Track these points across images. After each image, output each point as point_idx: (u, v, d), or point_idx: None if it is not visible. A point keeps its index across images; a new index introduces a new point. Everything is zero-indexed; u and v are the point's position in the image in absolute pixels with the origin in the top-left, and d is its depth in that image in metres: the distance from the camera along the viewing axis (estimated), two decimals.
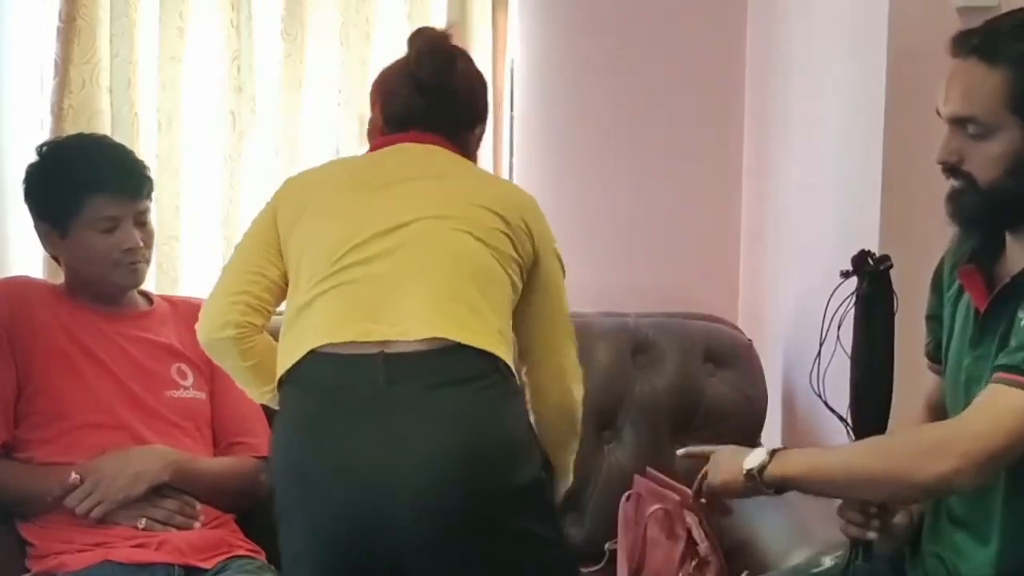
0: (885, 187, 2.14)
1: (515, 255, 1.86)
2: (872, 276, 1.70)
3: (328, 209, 1.86)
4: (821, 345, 1.75)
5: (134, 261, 2.17)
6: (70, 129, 2.56)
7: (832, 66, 2.44)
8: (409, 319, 1.73)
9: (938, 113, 1.60)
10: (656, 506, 2.27)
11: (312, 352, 1.74)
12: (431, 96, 1.94)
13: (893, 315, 1.71)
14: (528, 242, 1.88)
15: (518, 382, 1.86)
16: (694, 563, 2.23)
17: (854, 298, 1.71)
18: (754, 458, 1.64)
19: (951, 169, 1.59)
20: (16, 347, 2.12)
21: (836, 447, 1.70)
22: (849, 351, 1.73)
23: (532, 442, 1.83)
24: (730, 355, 2.60)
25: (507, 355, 1.79)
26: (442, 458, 1.66)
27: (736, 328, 2.69)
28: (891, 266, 1.70)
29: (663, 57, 2.88)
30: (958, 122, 1.57)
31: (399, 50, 2.76)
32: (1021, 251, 1.61)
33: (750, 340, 2.64)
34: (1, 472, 2.09)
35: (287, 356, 1.78)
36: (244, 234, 1.97)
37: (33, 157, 2.23)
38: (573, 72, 2.86)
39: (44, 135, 2.60)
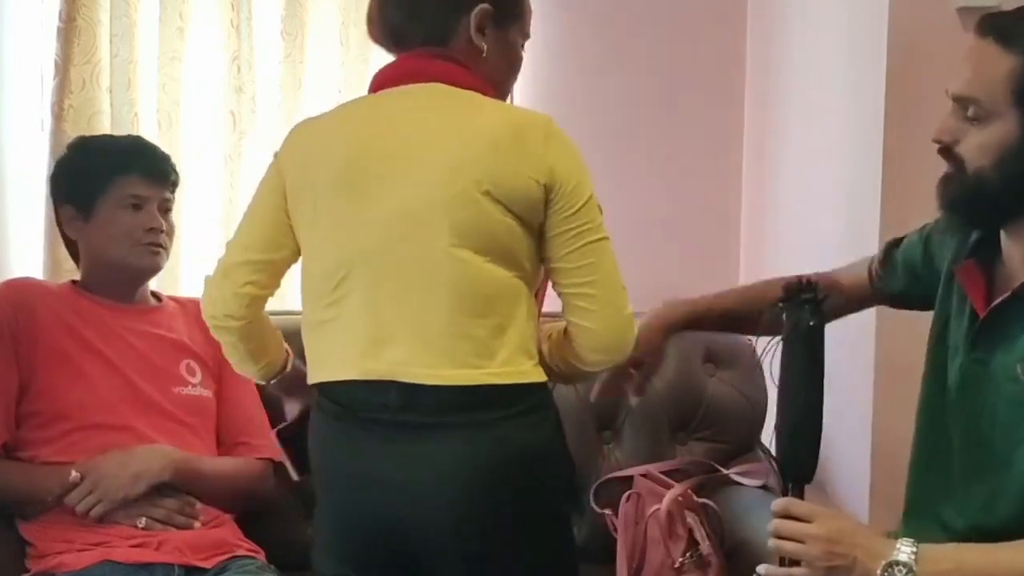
0: (885, 187, 2.14)
1: (528, 225, 1.71)
2: (795, 308, 1.57)
3: (322, 218, 1.75)
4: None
5: (155, 243, 2.20)
6: (70, 129, 2.56)
7: (832, 67, 2.44)
8: (412, 363, 1.69)
9: (947, 93, 1.57)
10: (656, 506, 2.27)
11: (325, 382, 1.77)
12: (400, 3, 1.78)
13: (820, 355, 1.58)
14: (541, 203, 1.71)
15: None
16: (695, 563, 2.23)
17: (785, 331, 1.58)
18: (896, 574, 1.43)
19: (945, 150, 1.56)
20: (19, 348, 2.12)
21: (1001, 550, 1.48)
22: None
23: (552, 452, 1.78)
24: (730, 355, 2.59)
25: (525, 372, 1.72)
26: (456, 475, 1.68)
27: None
28: (824, 298, 1.59)
29: (662, 57, 2.88)
30: (960, 101, 1.54)
31: None
32: (1017, 250, 1.59)
33: (750, 340, 2.64)
34: (1, 472, 2.09)
35: (311, 371, 1.80)
36: (252, 198, 1.87)
37: (42, 157, 2.27)
38: (572, 73, 2.86)
39: (44, 135, 2.60)
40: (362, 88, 2.74)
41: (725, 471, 2.43)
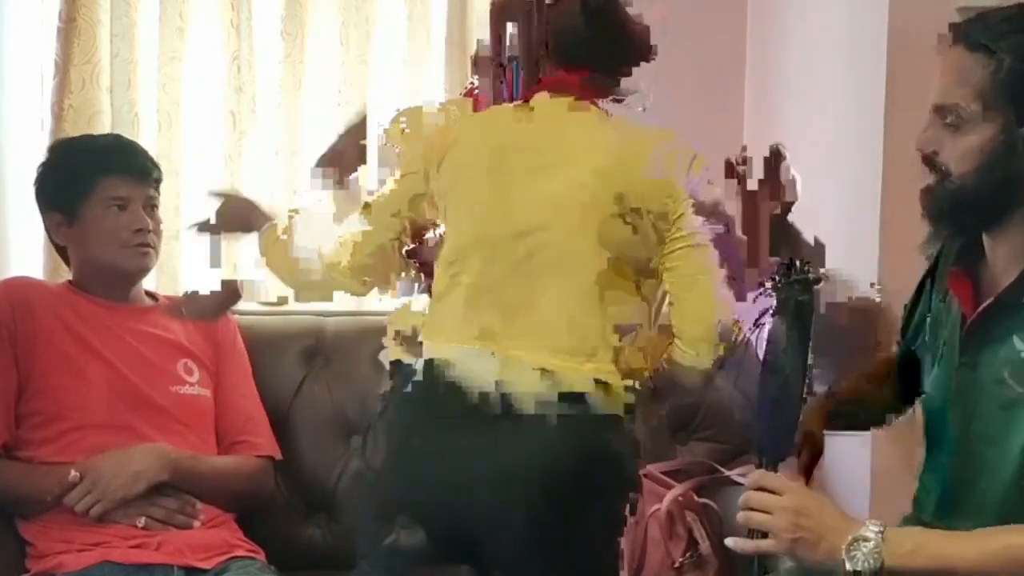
0: (885, 187, 2.14)
1: (653, 243, 1.86)
2: (787, 285, 1.56)
3: (464, 196, 1.85)
4: (724, 362, 1.72)
5: (143, 243, 2.19)
6: (70, 129, 2.56)
7: (832, 67, 2.44)
8: (529, 338, 1.75)
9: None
10: (656, 506, 2.27)
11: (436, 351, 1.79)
12: (596, 25, 1.90)
13: (807, 333, 1.56)
14: (665, 224, 1.87)
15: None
16: (694, 563, 2.23)
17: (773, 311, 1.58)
18: (862, 549, 1.42)
19: (928, 160, 1.56)
20: (18, 348, 2.12)
21: (964, 537, 1.47)
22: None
23: (634, 457, 1.90)
24: (730, 355, 2.59)
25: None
26: (544, 456, 1.73)
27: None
28: (817, 278, 1.57)
29: (662, 56, 2.87)
30: (940, 111, 1.54)
31: (399, 50, 2.78)
32: (1001, 254, 1.58)
33: (751, 340, 2.63)
34: (1, 472, 2.09)
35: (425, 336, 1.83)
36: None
37: (40, 158, 2.27)
38: None
39: (44, 135, 2.60)
40: (362, 88, 2.78)
41: (726, 471, 2.43)
